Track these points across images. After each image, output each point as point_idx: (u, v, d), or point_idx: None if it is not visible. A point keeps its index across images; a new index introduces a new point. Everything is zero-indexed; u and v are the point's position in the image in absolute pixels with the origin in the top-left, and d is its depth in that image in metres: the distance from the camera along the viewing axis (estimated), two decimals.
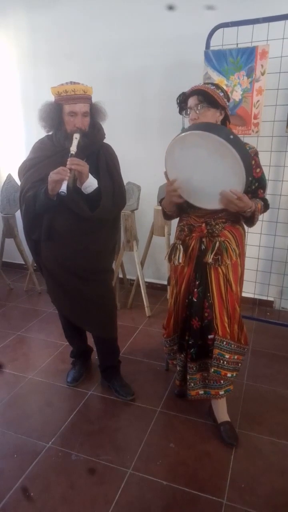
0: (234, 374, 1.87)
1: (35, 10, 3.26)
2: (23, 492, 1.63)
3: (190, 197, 1.66)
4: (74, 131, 1.78)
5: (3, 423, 2.01)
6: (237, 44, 2.39)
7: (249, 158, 1.57)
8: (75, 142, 1.74)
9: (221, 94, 1.64)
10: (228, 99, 1.71)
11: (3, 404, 2.14)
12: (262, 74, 2.33)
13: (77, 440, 1.89)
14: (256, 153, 1.72)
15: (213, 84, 1.69)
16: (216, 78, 2.43)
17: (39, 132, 1.91)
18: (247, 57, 2.33)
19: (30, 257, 3.47)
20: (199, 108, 1.62)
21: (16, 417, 2.05)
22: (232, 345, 1.81)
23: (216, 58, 2.41)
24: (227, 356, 1.80)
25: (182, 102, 1.69)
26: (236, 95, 2.42)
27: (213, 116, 1.65)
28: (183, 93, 1.69)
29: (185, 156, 1.55)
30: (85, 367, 2.40)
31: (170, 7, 2.78)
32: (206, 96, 1.61)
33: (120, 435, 1.93)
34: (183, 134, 1.52)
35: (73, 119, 1.79)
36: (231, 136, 1.45)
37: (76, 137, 1.75)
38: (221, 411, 1.94)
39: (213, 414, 1.97)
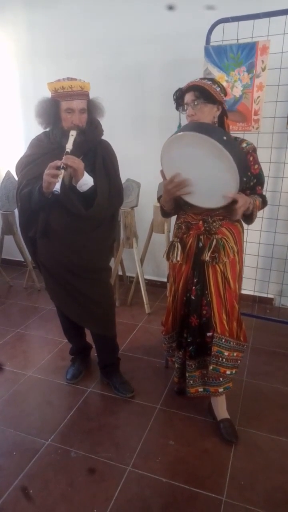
0: (234, 372, 1.86)
1: (34, 6, 3.23)
2: (22, 490, 1.63)
3: (187, 196, 1.65)
4: (71, 128, 1.76)
5: (2, 420, 2.00)
6: (237, 39, 2.37)
7: (244, 158, 1.57)
8: (71, 140, 1.72)
9: (218, 89, 1.62)
10: (225, 94, 1.69)
11: (2, 401, 2.14)
12: (263, 69, 2.31)
13: (77, 437, 1.89)
14: (254, 150, 1.71)
15: (209, 79, 1.67)
16: (217, 74, 2.41)
17: (38, 129, 1.90)
18: (247, 53, 2.31)
19: (29, 255, 3.46)
20: (195, 104, 1.60)
21: (15, 414, 2.05)
22: (231, 343, 1.81)
23: (217, 54, 2.39)
24: (226, 353, 1.79)
25: (179, 98, 1.66)
26: (236, 91, 2.41)
27: (210, 111, 1.63)
28: (180, 89, 1.66)
29: (180, 155, 1.55)
30: (84, 364, 2.40)
31: (170, 7, 2.76)
32: (203, 92, 1.59)
33: (120, 432, 1.93)
34: (177, 134, 1.52)
35: (70, 116, 1.77)
36: (224, 137, 1.45)
37: (72, 134, 1.73)
38: (221, 408, 1.94)
39: (213, 412, 1.97)
